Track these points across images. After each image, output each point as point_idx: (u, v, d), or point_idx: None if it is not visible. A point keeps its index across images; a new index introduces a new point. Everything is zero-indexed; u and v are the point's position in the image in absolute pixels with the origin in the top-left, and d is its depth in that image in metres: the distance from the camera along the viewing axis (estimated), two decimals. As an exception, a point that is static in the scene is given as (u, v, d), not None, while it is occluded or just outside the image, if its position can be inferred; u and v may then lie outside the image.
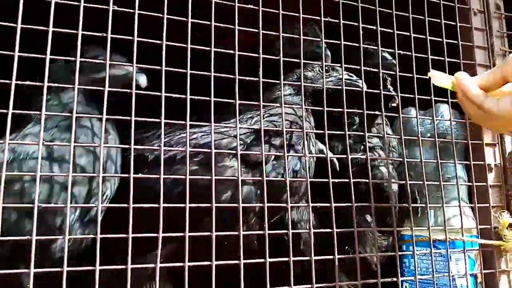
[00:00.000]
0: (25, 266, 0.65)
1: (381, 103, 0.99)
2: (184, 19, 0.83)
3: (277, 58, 0.90)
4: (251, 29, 0.89)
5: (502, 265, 1.05)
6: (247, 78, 0.86)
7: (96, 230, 0.72)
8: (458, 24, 1.12)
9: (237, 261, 0.77)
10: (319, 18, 0.96)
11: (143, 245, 0.73)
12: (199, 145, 0.94)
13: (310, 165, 1.01)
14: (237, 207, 0.80)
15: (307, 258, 0.85)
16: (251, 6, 0.90)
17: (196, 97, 0.81)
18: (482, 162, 1.09)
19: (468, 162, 1.07)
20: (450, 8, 1.12)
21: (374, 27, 1.01)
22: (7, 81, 0.69)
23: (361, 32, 0.99)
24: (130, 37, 0.78)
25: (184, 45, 0.82)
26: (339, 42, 0.96)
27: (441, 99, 1.06)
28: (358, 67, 0.99)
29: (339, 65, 1.00)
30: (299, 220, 1.17)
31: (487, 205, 1.07)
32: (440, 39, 1.08)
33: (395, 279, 0.92)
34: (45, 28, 0.73)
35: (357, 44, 0.99)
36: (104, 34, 0.77)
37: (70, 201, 0.70)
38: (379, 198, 0.99)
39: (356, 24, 0.99)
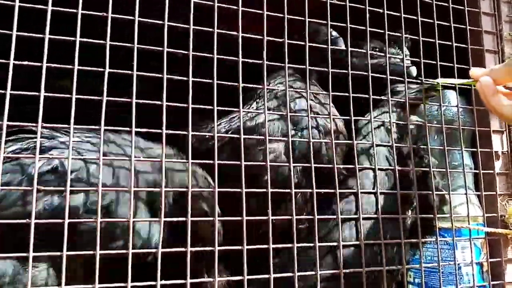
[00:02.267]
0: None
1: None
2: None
3: (281, 40, 0.88)
4: (256, 10, 0.86)
5: (508, 253, 1.04)
6: (251, 61, 0.84)
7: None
8: (466, 8, 1.10)
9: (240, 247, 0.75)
10: (324, 0, 0.93)
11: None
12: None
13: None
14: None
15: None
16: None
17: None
18: (489, 150, 1.07)
19: (475, 149, 1.05)
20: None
21: (381, 11, 0.98)
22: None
23: (367, 15, 0.97)
24: (131, 17, 0.76)
25: (186, 26, 0.80)
26: (345, 25, 0.94)
27: (448, 85, 1.04)
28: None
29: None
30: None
31: (494, 193, 1.05)
32: (448, 24, 1.05)
33: (400, 267, 0.91)
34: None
35: (363, 27, 0.96)
36: (105, 14, 0.75)
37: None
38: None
39: (362, 7, 0.97)
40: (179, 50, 0.79)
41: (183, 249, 0.72)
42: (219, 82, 0.80)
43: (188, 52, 0.79)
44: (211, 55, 0.80)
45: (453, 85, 0.93)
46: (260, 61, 0.85)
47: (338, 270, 0.83)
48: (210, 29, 0.81)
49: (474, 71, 0.75)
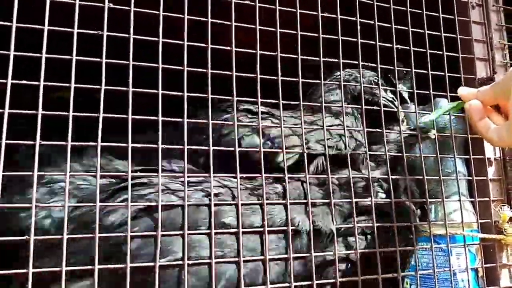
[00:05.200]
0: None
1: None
2: (181, 15, 0.83)
3: (274, 54, 0.90)
4: (248, 25, 0.88)
5: (503, 259, 1.05)
6: (244, 75, 0.86)
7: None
8: (457, 17, 1.11)
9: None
10: (316, 13, 0.95)
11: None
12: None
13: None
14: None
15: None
16: (248, 2, 0.89)
17: (193, 94, 0.81)
18: (482, 156, 1.09)
19: (468, 156, 1.07)
20: (449, 1, 1.12)
21: (372, 22, 1.00)
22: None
23: (359, 26, 0.98)
24: (126, 35, 0.78)
25: (181, 42, 0.81)
26: (336, 37, 0.96)
27: (440, 93, 1.05)
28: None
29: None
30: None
31: (487, 199, 1.06)
32: (439, 33, 1.07)
33: (395, 274, 0.92)
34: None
35: (354, 39, 0.98)
36: (100, 32, 0.77)
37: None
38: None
39: (353, 19, 0.98)
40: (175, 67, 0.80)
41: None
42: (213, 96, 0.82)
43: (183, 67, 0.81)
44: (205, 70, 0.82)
45: (446, 113, 0.95)
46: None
47: (334, 280, 0.84)
48: (204, 45, 0.83)
49: (462, 91, 0.77)
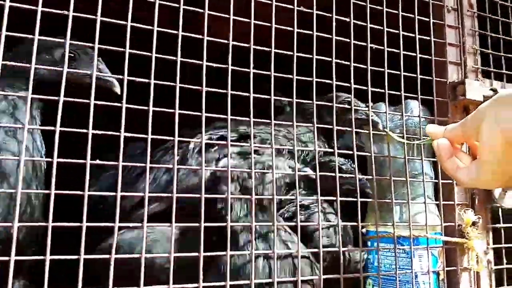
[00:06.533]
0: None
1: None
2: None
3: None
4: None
5: (464, 262, 1.06)
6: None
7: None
8: (432, 20, 1.12)
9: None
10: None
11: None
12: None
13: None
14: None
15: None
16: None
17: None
18: (450, 160, 1.09)
19: (435, 159, 1.07)
20: (425, 4, 1.12)
21: (347, 19, 0.99)
22: None
23: (334, 24, 0.97)
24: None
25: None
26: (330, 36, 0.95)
27: (411, 95, 1.05)
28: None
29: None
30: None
31: (452, 202, 1.07)
32: (413, 35, 1.07)
33: (357, 275, 0.92)
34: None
35: (329, 36, 0.97)
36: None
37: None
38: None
39: (329, 15, 0.97)
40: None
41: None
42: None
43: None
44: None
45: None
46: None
47: (296, 278, 0.83)
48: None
49: (430, 128, 0.75)
